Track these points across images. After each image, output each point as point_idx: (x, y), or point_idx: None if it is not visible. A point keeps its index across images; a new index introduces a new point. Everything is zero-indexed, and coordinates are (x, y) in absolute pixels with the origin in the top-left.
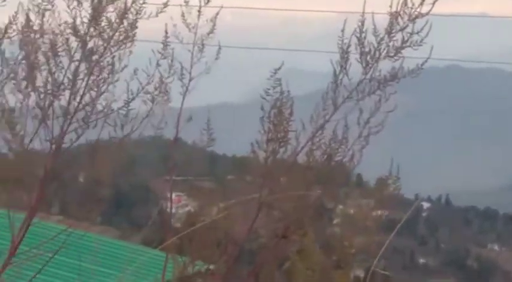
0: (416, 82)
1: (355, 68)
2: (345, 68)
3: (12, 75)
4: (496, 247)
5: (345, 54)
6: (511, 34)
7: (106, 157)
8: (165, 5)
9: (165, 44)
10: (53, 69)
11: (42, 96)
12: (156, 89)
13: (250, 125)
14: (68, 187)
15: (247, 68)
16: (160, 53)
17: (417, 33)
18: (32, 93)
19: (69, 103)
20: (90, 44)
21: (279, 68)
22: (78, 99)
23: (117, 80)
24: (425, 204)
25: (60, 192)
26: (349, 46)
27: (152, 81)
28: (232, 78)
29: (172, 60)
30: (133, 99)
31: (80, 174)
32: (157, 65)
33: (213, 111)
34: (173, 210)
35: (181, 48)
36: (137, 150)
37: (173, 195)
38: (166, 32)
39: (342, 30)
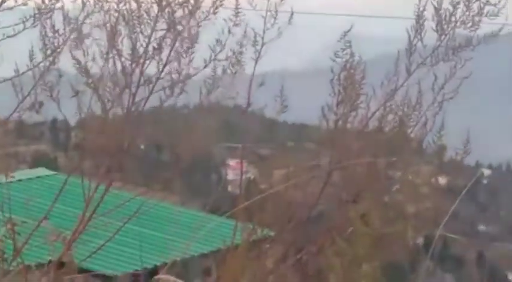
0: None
1: (428, 35)
2: (420, 34)
3: (75, 35)
4: None
5: (420, 19)
6: None
7: (172, 124)
8: None
9: (237, 11)
10: (136, 37)
11: (126, 63)
12: (227, 58)
13: (308, 92)
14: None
15: (308, 35)
16: (231, 20)
17: (494, 5)
18: (112, 60)
19: (141, 71)
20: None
21: (348, 31)
22: (161, 67)
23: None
24: (486, 171)
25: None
26: (424, 10)
27: (224, 48)
28: (292, 45)
29: (246, 28)
30: (205, 66)
31: (143, 141)
32: (229, 32)
33: (271, 77)
34: (236, 177)
35: (253, 15)
36: (198, 117)
37: (236, 163)
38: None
39: None
